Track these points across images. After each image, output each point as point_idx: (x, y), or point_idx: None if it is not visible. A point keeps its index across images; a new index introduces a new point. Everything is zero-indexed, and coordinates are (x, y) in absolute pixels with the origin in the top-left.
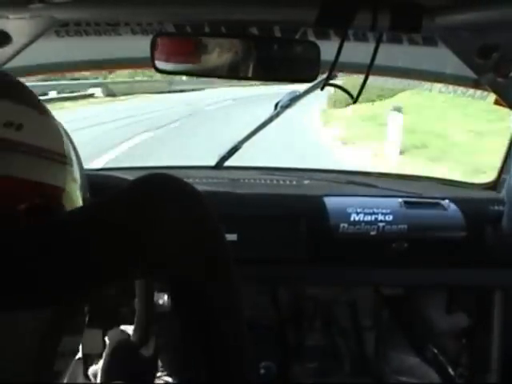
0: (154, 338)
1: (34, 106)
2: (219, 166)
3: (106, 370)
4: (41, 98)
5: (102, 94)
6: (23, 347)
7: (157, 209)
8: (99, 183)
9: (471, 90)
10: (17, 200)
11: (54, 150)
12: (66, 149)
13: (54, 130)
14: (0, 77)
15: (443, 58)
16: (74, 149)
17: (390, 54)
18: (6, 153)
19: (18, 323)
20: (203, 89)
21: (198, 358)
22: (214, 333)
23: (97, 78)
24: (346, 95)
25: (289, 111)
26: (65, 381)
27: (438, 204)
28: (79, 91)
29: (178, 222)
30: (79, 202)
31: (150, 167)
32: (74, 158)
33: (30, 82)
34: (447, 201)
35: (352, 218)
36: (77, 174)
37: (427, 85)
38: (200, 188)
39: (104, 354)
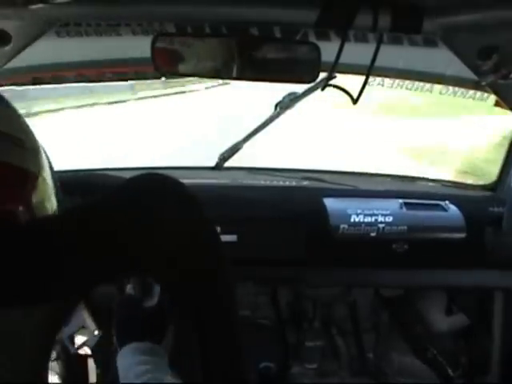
0: (155, 289)
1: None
2: (219, 166)
3: (117, 330)
4: None
5: None
6: (18, 345)
7: (149, 209)
8: (97, 182)
9: None
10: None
11: (21, 136)
12: (32, 137)
13: (19, 119)
14: None
15: (444, 59)
16: (42, 146)
17: (390, 55)
18: None
19: (11, 321)
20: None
21: (193, 357)
22: (208, 334)
23: None
24: None
25: None
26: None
27: (437, 205)
28: None
29: (171, 222)
30: (52, 196)
31: (149, 167)
32: (40, 149)
33: None
34: (447, 202)
35: (352, 219)
36: (48, 167)
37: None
38: (200, 189)
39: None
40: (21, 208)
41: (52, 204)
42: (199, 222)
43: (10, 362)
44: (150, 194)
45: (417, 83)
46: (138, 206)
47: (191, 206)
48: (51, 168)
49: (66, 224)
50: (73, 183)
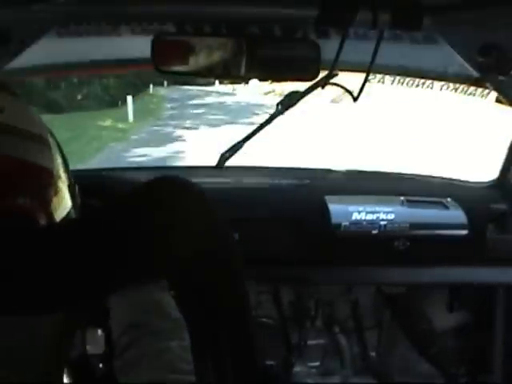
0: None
1: (13, 93)
2: (220, 165)
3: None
4: None
5: None
6: (35, 350)
7: (169, 212)
8: (101, 183)
9: None
10: (12, 180)
11: (36, 132)
12: (47, 134)
13: (34, 116)
14: None
15: (444, 56)
16: (57, 142)
17: (390, 52)
18: None
19: (29, 327)
20: None
21: (206, 356)
22: (222, 332)
23: None
24: None
25: None
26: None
27: (439, 202)
28: None
29: (190, 224)
30: (67, 193)
31: (152, 167)
32: (55, 145)
33: None
34: (449, 199)
35: (354, 217)
36: (62, 165)
37: None
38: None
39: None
40: (35, 205)
41: (67, 202)
42: (216, 223)
43: (24, 366)
44: (170, 197)
45: (417, 80)
46: (159, 209)
47: (208, 209)
48: (66, 166)
49: (82, 229)
50: (82, 183)
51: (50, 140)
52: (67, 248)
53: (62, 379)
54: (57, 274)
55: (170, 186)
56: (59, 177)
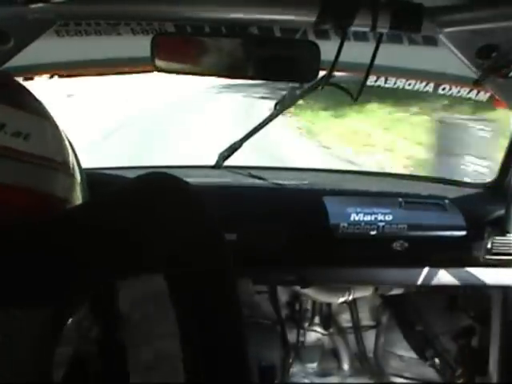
0: None
1: (41, 113)
2: (218, 165)
3: None
4: None
5: None
6: (20, 346)
7: (156, 208)
8: (100, 182)
9: None
10: (22, 209)
11: (60, 160)
12: (71, 158)
13: (60, 139)
14: (4, 81)
15: (443, 58)
16: (75, 153)
17: (390, 53)
18: (13, 163)
19: (14, 321)
20: None
21: (195, 357)
22: (211, 332)
23: None
24: None
25: None
26: None
27: (437, 204)
28: None
29: (177, 221)
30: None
31: (150, 166)
32: (76, 164)
33: None
34: (447, 200)
35: (352, 218)
36: (80, 183)
37: None
38: (199, 188)
39: None
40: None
41: None
42: (204, 220)
43: (11, 362)
44: (158, 193)
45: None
46: (147, 205)
47: (197, 206)
48: (83, 185)
49: (76, 222)
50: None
51: (74, 163)
52: (53, 242)
53: (51, 374)
54: (43, 267)
55: (157, 181)
56: (77, 203)
